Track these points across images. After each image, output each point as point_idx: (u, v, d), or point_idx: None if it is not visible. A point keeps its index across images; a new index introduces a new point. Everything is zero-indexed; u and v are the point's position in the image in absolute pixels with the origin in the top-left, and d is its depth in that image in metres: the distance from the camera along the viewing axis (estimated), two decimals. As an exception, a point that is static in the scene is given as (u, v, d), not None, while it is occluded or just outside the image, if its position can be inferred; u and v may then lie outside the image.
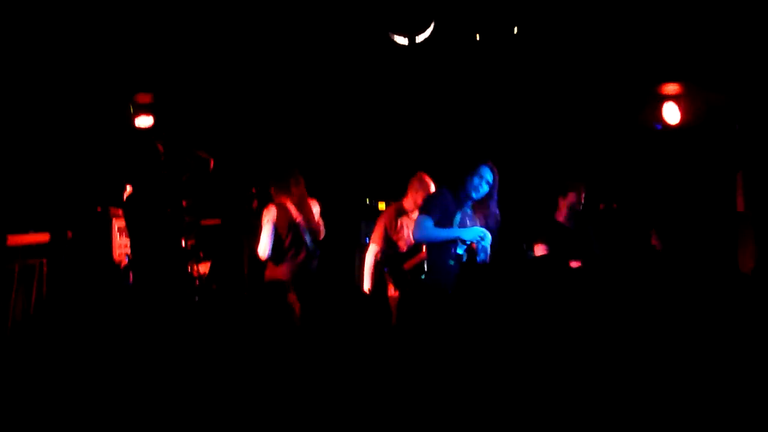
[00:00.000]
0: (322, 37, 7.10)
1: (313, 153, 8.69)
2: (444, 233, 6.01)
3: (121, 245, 7.65)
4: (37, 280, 7.14)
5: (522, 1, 6.62)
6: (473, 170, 6.17)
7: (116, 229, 7.70)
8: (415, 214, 7.03)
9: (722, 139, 8.21)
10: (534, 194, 7.53)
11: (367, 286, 7.09)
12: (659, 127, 8.17)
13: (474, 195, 6.18)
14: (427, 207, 6.16)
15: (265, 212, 7.03)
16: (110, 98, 8.04)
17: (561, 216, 7.45)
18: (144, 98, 8.14)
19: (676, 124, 8.07)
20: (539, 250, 7.17)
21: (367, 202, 8.52)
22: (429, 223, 6.02)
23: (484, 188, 6.19)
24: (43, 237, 7.28)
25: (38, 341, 6.49)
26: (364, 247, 7.62)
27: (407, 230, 7.11)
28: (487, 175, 6.22)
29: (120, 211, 7.66)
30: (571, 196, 7.39)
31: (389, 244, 7.09)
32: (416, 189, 7.14)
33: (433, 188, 7.10)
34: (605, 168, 8.68)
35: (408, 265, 7.04)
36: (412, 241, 7.00)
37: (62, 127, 8.07)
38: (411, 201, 7.17)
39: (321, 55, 7.45)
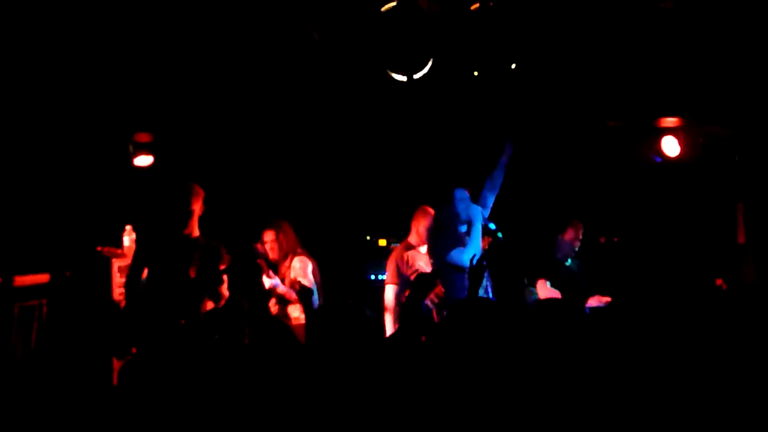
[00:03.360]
0: (322, 74, 7.12)
1: (313, 190, 8.69)
2: None
3: (120, 284, 7.62)
4: (37, 321, 7.12)
5: (520, 37, 6.63)
6: (451, 200, 6.55)
7: (116, 268, 7.67)
8: (424, 248, 7.09)
9: (722, 172, 8.21)
10: (533, 231, 7.51)
11: (390, 327, 7.05)
12: (659, 160, 8.18)
13: (464, 217, 6.51)
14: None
15: (301, 264, 7.07)
16: (109, 138, 8.04)
17: (560, 253, 7.48)
18: (143, 137, 8.16)
19: (676, 157, 8.08)
20: (542, 287, 7.18)
21: (368, 239, 8.51)
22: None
23: (468, 208, 6.48)
24: (42, 278, 7.25)
25: (37, 380, 6.43)
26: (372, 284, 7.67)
27: (420, 263, 7.09)
28: (462, 194, 6.47)
29: (119, 251, 7.66)
30: (570, 233, 7.42)
31: (404, 282, 7.07)
32: (419, 221, 7.18)
33: None
34: (605, 202, 8.68)
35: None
36: None
37: (61, 167, 8.06)
38: (416, 235, 7.19)
39: (319, 92, 7.47)
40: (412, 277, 7.06)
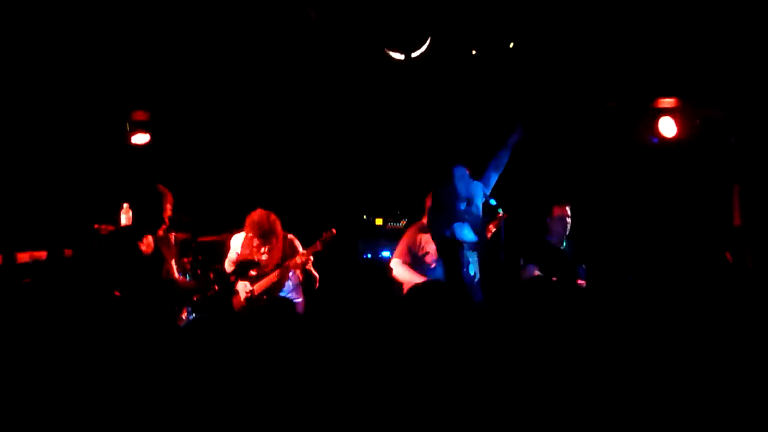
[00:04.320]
0: (319, 53, 7.11)
1: (311, 169, 8.69)
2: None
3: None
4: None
5: (518, 16, 6.62)
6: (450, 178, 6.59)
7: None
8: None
9: (718, 153, 8.22)
10: (528, 213, 7.53)
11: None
12: (656, 141, 8.19)
13: (464, 194, 6.60)
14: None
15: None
16: (106, 115, 8.04)
17: (552, 237, 7.50)
18: (140, 115, 8.17)
19: (672, 138, 8.09)
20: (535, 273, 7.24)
21: (365, 219, 8.51)
22: None
23: (468, 185, 6.57)
24: (42, 254, 7.26)
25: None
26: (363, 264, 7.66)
27: (431, 246, 7.07)
28: (461, 171, 6.60)
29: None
30: (556, 212, 7.44)
31: (415, 261, 7.06)
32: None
33: None
34: (602, 183, 8.68)
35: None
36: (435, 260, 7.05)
37: (59, 145, 8.06)
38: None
39: (318, 71, 7.46)
40: (426, 259, 7.11)
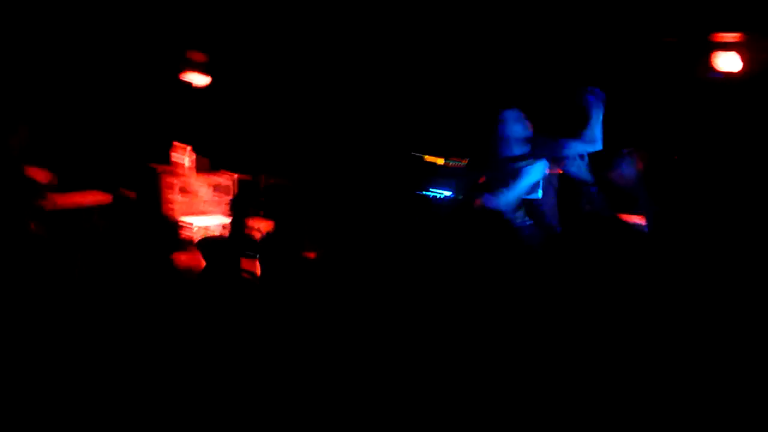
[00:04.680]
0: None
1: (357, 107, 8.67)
2: None
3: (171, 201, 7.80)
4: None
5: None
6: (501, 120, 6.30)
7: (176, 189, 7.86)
8: None
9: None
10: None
11: None
12: (718, 76, 7.88)
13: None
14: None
15: None
16: (164, 56, 8.17)
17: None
18: (198, 56, 8.27)
19: (737, 74, 7.76)
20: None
21: (413, 155, 8.45)
22: None
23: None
24: (94, 196, 7.45)
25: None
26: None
27: None
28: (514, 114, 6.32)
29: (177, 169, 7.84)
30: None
31: None
32: None
33: None
34: (664, 122, 8.41)
35: None
36: None
37: (111, 86, 8.23)
38: None
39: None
40: None
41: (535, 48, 7.89)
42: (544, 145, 6.38)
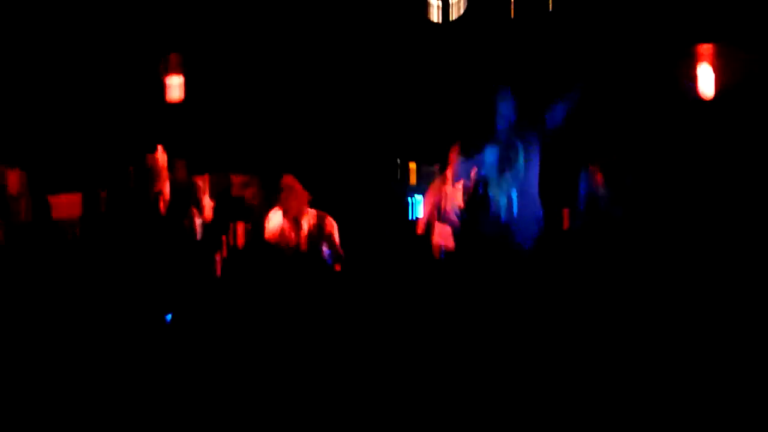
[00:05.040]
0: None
1: (343, 116, 8.65)
2: None
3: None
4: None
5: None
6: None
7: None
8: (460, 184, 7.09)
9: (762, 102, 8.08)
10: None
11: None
12: (693, 88, 8.06)
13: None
14: None
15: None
16: (141, 57, 8.04)
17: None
18: (174, 59, 8.16)
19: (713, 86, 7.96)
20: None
21: (398, 163, 8.49)
22: None
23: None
24: (76, 198, 7.31)
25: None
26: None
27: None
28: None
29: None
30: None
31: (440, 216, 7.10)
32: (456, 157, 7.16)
33: None
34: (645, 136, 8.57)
35: None
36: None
37: (92, 87, 8.08)
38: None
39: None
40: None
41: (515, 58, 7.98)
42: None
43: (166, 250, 6.77)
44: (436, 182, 7.23)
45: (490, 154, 6.50)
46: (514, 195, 6.60)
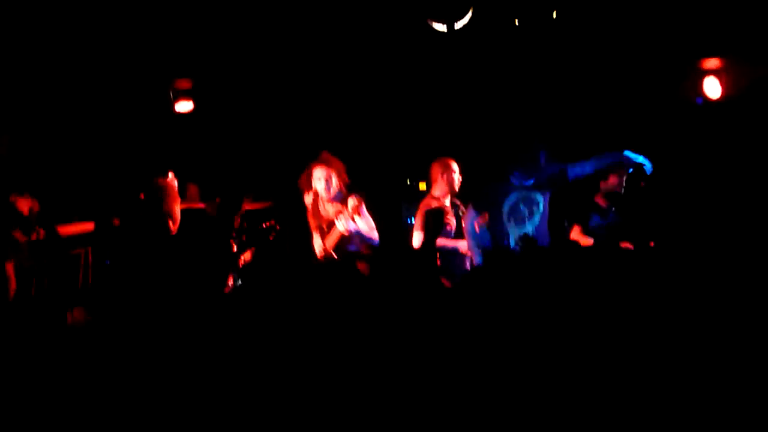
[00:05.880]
0: (363, 21, 7.09)
1: (353, 134, 8.69)
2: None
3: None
4: (83, 268, 7.24)
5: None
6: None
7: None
8: (448, 200, 7.14)
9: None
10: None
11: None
12: (700, 101, 8.11)
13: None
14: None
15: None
16: (149, 84, 8.08)
17: (600, 198, 7.49)
18: (184, 84, 8.21)
19: (718, 99, 8.00)
20: (576, 233, 7.22)
21: (408, 183, 8.53)
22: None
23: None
24: (87, 226, 7.34)
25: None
26: (408, 228, 7.68)
27: (449, 216, 7.15)
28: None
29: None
30: (612, 179, 7.41)
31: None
32: (440, 174, 7.19)
33: (456, 171, 7.14)
34: (646, 145, 8.60)
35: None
36: (454, 227, 7.10)
37: (102, 115, 8.13)
38: (439, 188, 7.21)
39: (361, 36, 7.44)
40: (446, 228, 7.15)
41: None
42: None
43: (178, 273, 6.81)
44: (425, 201, 7.26)
45: (510, 200, 6.56)
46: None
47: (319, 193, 6.98)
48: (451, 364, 3.91)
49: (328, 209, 7.04)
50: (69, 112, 7.94)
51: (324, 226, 7.07)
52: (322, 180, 6.91)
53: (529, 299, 4.03)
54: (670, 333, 4.03)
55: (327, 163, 6.92)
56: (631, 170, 6.81)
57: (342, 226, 6.77)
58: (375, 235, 6.97)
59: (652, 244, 7.28)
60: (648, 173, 6.65)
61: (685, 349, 3.96)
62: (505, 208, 6.53)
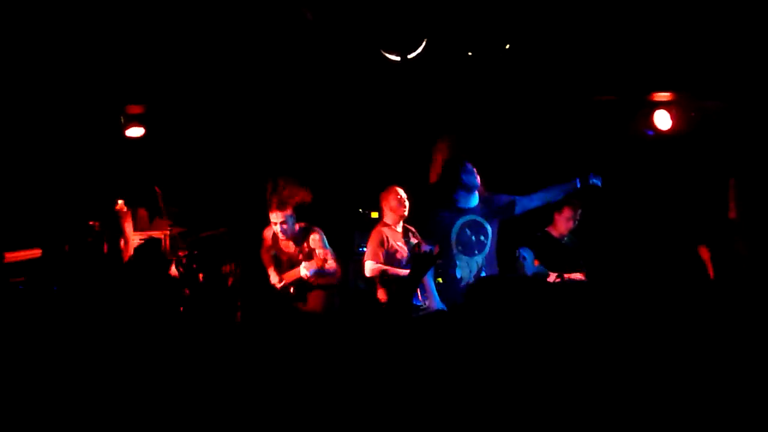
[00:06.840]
0: (315, 51, 7.09)
1: (305, 163, 8.66)
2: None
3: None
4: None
5: (512, 13, 6.61)
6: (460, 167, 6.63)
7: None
8: (399, 227, 7.15)
9: (714, 146, 8.22)
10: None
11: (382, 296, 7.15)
12: (651, 134, 8.20)
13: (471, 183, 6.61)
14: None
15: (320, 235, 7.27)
16: (100, 109, 7.99)
17: (556, 231, 7.56)
18: (135, 109, 8.13)
19: (668, 131, 8.10)
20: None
21: (360, 212, 8.50)
22: None
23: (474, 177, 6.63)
24: (33, 253, 7.24)
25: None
26: (359, 257, 7.66)
27: (398, 243, 7.15)
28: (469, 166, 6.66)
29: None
30: (567, 212, 7.48)
31: (388, 259, 7.12)
32: (389, 202, 7.20)
33: (404, 197, 7.17)
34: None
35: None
36: (405, 255, 7.10)
37: (51, 141, 8.02)
38: (390, 216, 7.21)
39: (313, 66, 7.44)
40: (397, 255, 7.13)
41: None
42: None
43: (129, 300, 6.70)
44: (377, 228, 7.26)
45: (456, 227, 6.60)
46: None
47: (277, 235, 7.20)
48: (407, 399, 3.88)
49: (288, 245, 7.27)
50: (18, 137, 7.81)
51: (283, 259, 7.30)
52: (278, 225, 7.11)
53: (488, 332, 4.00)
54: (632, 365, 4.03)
55: (281, 207, 7.06)
56: (579, 185, 6.85)
57: (305, 273, 7.04)
58: (333, 264, 7.17)
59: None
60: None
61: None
62: (453, 237, 6.57)
